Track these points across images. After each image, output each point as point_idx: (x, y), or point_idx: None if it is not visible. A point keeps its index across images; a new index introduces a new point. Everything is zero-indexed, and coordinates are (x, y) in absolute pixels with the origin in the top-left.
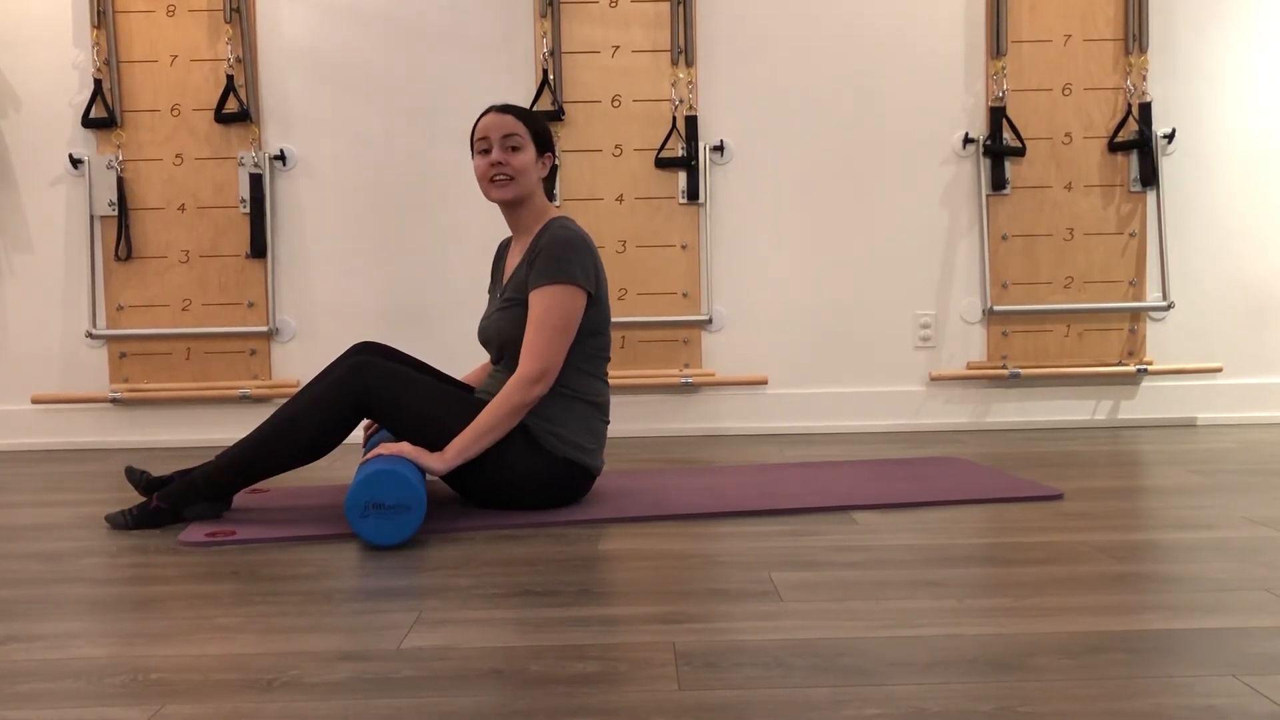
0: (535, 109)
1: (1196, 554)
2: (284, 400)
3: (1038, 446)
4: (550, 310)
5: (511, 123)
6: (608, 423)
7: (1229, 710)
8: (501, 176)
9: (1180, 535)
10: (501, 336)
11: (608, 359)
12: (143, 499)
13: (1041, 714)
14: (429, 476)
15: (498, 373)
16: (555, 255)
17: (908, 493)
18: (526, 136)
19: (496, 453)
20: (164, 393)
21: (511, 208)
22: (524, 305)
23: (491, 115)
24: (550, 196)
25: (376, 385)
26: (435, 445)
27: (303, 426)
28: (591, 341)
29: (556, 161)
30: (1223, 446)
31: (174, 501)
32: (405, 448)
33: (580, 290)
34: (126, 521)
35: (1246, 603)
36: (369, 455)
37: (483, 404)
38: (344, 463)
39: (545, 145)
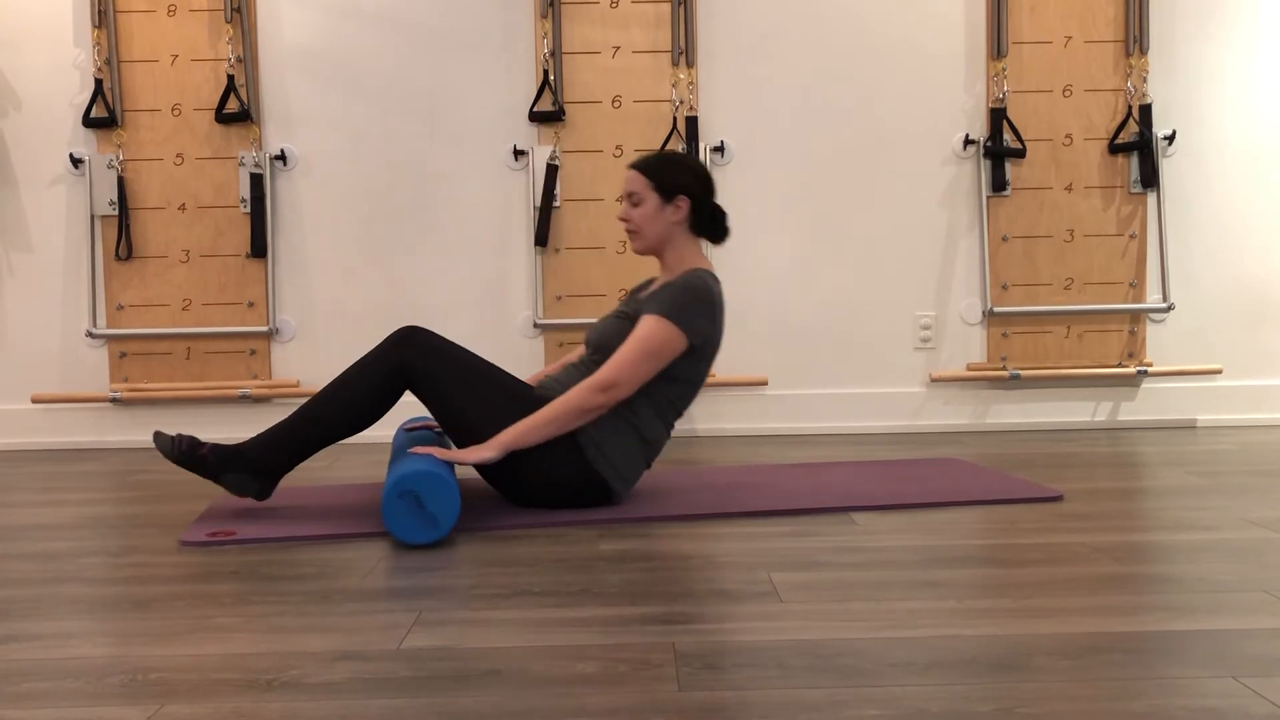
0: (535, 109)
1: (1196, 555)
2: (284, 400)
3: (1037, 448)
4: (648, 336)
5: (632, 178)
6: (648, 466)
7: (1228, 711)
8: (628, 231)
9: (1180, 536)
10: (601, 337)
11: (681, 412)
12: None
13: (1041, 714)
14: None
15: (577, 365)
16: (677, 295)
17: (907, 494)
18: (646, 188)
19: (535, 447)
20: (164, 392)
21: (654, 256)
22: (631, 321)
23: (626, 170)
24: (721, 234)
25: (419, 358)
26: (472, 426)
27: (343, 399)
28: (676, 388)
29: (684, 198)
30: (1222, 448)
31: (219, 458)
32: (449, 452)
33: (682, 334)
34: (172, 449)
35: (1246, 604)
36: (419, 449)
37: (532, 391)
38: (344, 463)
39: (672, 190)
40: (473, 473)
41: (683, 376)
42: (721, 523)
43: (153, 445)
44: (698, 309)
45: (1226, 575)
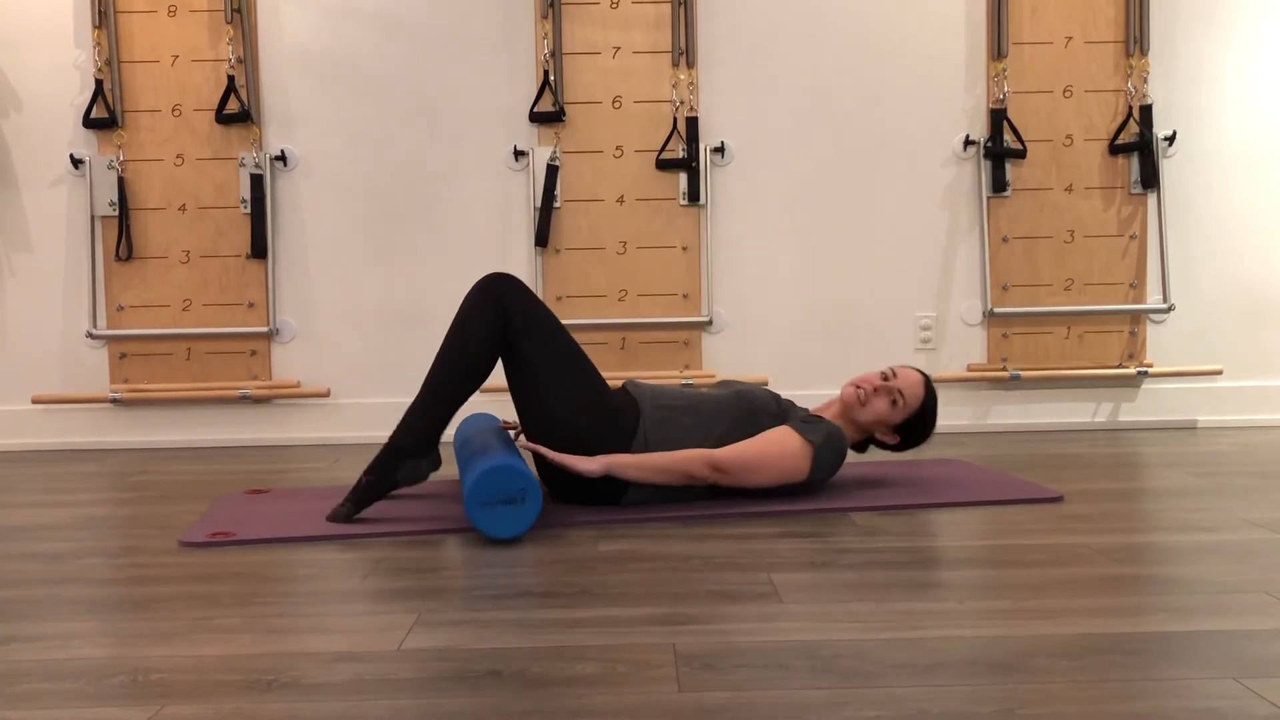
0: (535, 110)
1: (1196, 556)
2: (283, 401)
3: (1038, 449)
4: (784, 453)
5: (912, 387)
6: (663, 501)
7: (1229, 713)
8: (860, 383)
9: (1180, 537)
10: (748, 391)
11: (731, 490)
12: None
13: (1041, 716)
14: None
15: (700, 388)
16: (828, 435)
17: (908, 495)
18: (906, 406)
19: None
20: (164, 393)
21: (838, 409)
22: (779, 408)
23: (915, 370)
24: (860, 449)
25: (516, 295)
26: (546, 402)
27: (459, 343)
28: (743, 488)
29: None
30: (1223, 449)
31: (383, 470)
32: (557, 455)
33: (807, 469)
34: (348, 511)
35: (1246, 605)
36: (535, 446)
37: (608, 389)
38: (346, 463)
39: (905, 430)
40: None
41: (761, 489)
42: (721, 523)
43: (152, 447)
44: (831, 455)
45: (1227, 576)
